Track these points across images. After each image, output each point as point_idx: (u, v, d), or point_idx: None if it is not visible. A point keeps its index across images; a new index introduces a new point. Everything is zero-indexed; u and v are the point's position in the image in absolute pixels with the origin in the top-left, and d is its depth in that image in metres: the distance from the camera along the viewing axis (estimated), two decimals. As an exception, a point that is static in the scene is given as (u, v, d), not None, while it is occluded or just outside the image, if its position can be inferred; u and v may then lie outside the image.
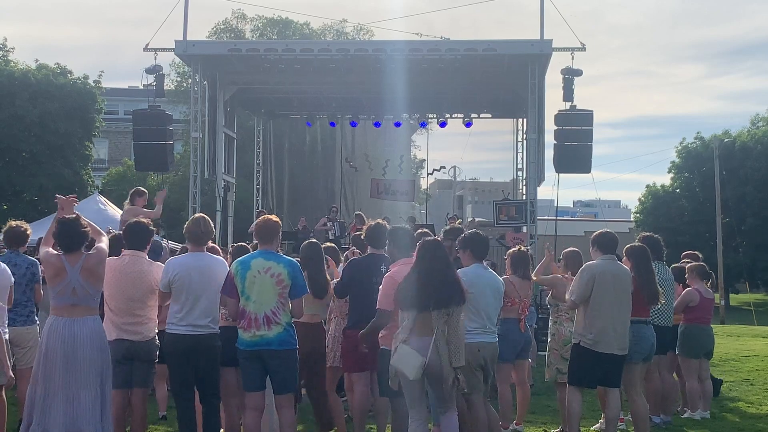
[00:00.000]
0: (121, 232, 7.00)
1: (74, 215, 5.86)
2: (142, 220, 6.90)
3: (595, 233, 7.19)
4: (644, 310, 7.26)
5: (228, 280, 6.07)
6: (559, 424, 7.77)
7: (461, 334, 5.82)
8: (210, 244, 6.75)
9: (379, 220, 7.12)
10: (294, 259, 6.26)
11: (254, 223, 7.90)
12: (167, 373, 7.47)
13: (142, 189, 11.05)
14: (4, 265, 6.58)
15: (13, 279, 6.63)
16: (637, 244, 7.51)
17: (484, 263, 6.67)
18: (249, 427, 6.03)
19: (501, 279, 6.87)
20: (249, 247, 7.19)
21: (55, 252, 5.73)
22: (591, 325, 6.77)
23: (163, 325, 6.72)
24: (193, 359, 6.18)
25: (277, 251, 6.26)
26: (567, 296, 7.08)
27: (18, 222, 7.48)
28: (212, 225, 6.54)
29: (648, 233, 8.35)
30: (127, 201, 10.89)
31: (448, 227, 8.20)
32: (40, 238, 6.37)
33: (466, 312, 6.27)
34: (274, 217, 6.33)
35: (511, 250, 8.18)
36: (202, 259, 6.32)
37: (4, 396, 6.64)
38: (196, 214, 6.59)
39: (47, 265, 5.76)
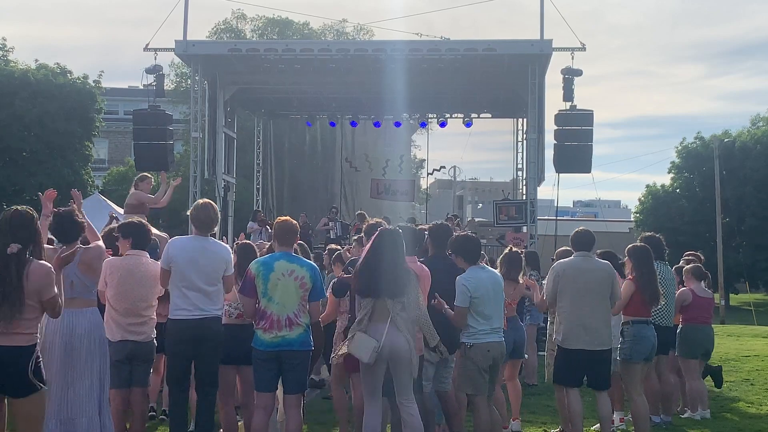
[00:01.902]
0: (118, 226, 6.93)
1: (69, 208, 5.89)
2: (135, 220, 6.89)
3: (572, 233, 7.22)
4: (645, 310, 7.25)
5: (248, 280, 6.04)
6: (559, 424, 7.76)
7: (426, 315, 6.01)
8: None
9: (379, 219, 7.13)
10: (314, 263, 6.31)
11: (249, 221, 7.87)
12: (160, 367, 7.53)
13: (147, 174, 10.91)
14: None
15: None
16: (639, 244, 7.51)
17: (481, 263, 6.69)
18: (257, 427, 6.01)
19: (499, 274, 6.86)
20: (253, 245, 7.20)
21: (52, 246, 5.74)
22: (559, 322, 6.88)
23: (162, 318, 6.76)
24: (195, 346, 6.13)
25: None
26: (542, 296, 7.14)
27: None
28: (218, 211, 6.51)
29: (649, 233, 8.35)
30: (132, 187, 10.68)
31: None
32: None
33: (473, 315, 6.31)
34: (292, 219, 6.35)
35: (505, 252, 8.15)
36: (205, 241, 6.29)
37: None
38: (203, 200, 6.54)
39: (45, 260, 5.76)
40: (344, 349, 6.07)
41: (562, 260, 7.06)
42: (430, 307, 6.31)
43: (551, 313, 7.98)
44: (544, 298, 7.05)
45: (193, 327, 6.07)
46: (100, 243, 5.96)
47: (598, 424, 7.80)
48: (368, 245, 6.07)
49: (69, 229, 5.73)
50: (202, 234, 6.32)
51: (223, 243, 6.60)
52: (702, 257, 9.44)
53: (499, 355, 6.51)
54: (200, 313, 6.09)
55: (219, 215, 6.50)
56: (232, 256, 6.83)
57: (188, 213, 6.55)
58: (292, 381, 6.03)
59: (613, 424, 7.45)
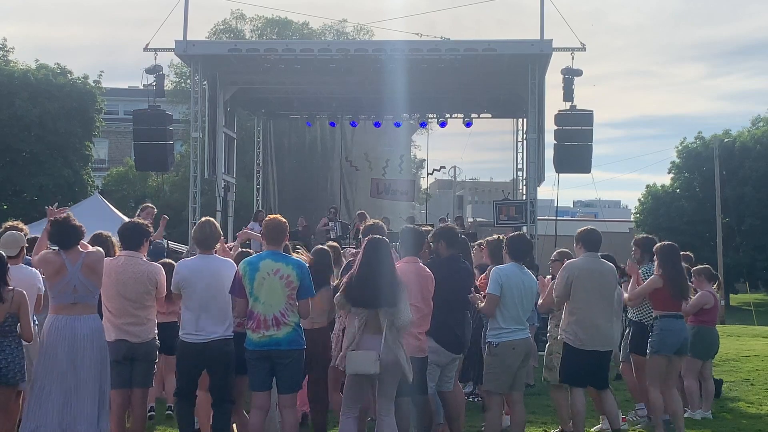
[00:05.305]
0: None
1: (64, 214, 5.91)
2: (137, 220, 6.91)
3: (579, 230, 7.22)
4: (674, 304, 7.32)
5: (236, 280, 6.04)
6: (559, 424, 7.75)
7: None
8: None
9: (378, 220, 7.14)
10: (302, 260, 6.27)
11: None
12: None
13: (149, 204, 10.80)
14: (36, 271, 6.55)
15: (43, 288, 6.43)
16: (666, 242, 7.64)
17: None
18: (254, 426, 6.03)
19: (535, 279, 6.89)
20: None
21: (53, 250, 5.76)
22: (573, 322, 6.87)
23: (167, 317, 6.76)
24: (205, 365, 6.18)
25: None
26: (553, 295, 7.14)
27: (15, 222, 7.42)
28: (219, 227, 6.52)
29: (643, 234, 8.44)
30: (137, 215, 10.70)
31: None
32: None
33: (499, 308, 6.39)
34: (281, 218, 6.30)
35: (488, 239, 8.00)
36: (211, 261, 6.29)
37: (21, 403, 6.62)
38: (202, 219, 6.55)
39: (47, 264, 5.78)
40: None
41: (573, 261, 7.05)
42: (441, 305, 6.33)
43: (555, 315, 7.94)
44: (555, 298, 7.03)
45: (201, 350, 6.09)
46: (99, 248, 6.01)
47: (600, 425, 7.83)
48: (359, 255, 6.00)
49: (70, 234, 5.76)
50: (205, 252, 6.34)
51: (228, 259, 6.55)
52: (692, 257, 9.53)
53: (523, 351, 6.58)
54: (208, 336, 6.09)
55: (219, 231, 6.48)
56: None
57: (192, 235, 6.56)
58: (284, 380, 6.00)
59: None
